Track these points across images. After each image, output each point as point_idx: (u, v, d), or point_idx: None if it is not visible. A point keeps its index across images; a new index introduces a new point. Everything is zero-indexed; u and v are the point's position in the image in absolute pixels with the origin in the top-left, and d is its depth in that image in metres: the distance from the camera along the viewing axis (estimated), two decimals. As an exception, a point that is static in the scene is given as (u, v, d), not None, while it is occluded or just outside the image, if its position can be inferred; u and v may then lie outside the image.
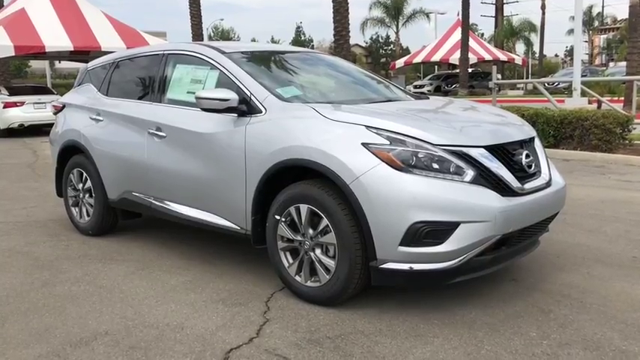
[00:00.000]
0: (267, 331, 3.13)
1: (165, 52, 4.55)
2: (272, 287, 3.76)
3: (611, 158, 8.67)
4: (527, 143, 3.60)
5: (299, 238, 3.45)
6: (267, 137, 3.55)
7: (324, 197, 3.28)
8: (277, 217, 3.52)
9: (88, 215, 5.16)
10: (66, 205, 5.43)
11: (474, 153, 3.17)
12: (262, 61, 4.30)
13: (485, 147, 3.24)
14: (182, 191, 4.16)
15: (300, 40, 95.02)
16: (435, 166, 3.10)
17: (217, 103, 3.70)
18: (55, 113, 5.61)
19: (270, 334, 3.10)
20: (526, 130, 3.73)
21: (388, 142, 3.14)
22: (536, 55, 53.66)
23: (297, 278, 3.50)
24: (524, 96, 28.38)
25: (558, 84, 26.52)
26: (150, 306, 3.54)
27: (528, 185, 3.36)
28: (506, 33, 48.68)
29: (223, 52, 4.14)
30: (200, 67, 4.21)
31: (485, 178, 3.15)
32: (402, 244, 3.04)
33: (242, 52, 4.26)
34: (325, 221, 3.28)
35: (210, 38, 68.83)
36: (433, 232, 3.02)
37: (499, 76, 40.86)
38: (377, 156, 3.10)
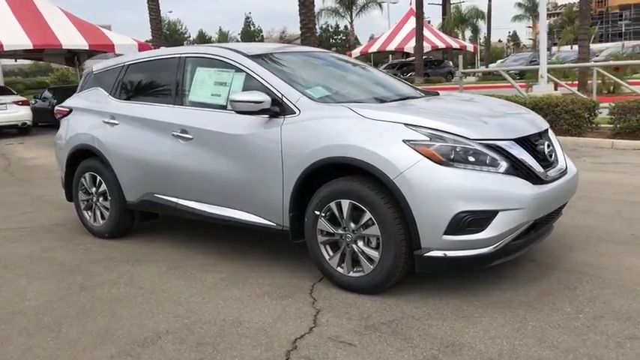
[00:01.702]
0: (322, 321, 3.32)
1: (182, 56, 4.63)
2: (310, 279, 3.94)
3: (581, 142, 9.17)
4: (544, 134, 3.89)
5: (340, 231, 3.64)
6: (304, 137, 3.71)
7: (366, 192, 3.47)
8: (317, 213, 3.70)
9: (102, 218, 5.20)
10: (77, 209, 5.45)
11: (506, 145, 3.43)
12: (284, 62, 4.43)
13: (514, 139, 3.50)
14: (212, 191, 4.28)
15: (249, 30, 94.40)
16: (472, 159, 3.34)
17: (252, 106, 3.84)
18: (60, 118, 5.60)
19: (327, 323, 3.29)
20: (542, 122, 4.03)
21: (428, 139, 3.36)
22: (481, 41, 54.95)
23: (339, 270, 3.70)
24: (478, 82, 29.16)
25: (518, 72, 27.15)
26: (198, 303, 3.67)
27: (550, 173, 3.65)
28: (456, 20, 49.78)
29: (247, 55, 4.27)
30: (223, 70, 4.32)
31: (517, 168, 3.42)
32: (446, 232, 3.28)
33: (264, 54, 4.39)
34: (368, 215, 3.48)
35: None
36: (475, 220, 3.27)
37: (450, 63, 41.87)
38: (419, 152, 3.32)
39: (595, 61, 20.47)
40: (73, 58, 22.08)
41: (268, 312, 3.49)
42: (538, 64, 32.92)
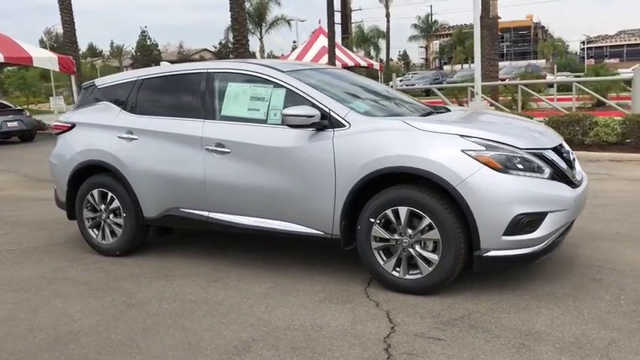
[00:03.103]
0: (398, 321, 3.53)
1: (209, 71, 4.69)
2: (358, 284, 4.14)
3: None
4: (562, 144, 4.36)
5: (396, 236, 3.88)
6: (360, 148, 3.92)
7: (425, 199, 3.74)
8: (372, 220, 3.92)
9: (113, 236, 5.08)
10: (81, 227, 5.26)
11: (547, 154, 3.85)
12: (316, 78, 4.61)
13: (551, 149, 3.93)
14: (252, 203, 4.35)
15: (145, 44, 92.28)
16: (521, 166, 3.71)
17: (304, 120, 4.00)
18: (58, 134, 5.41)
19: (404, 322, 3.50)
20: (557, 134, 4.50)
21: (484, 148, 3.69)
22: (374, 59, 57.25)
23: (394, 273, 3.92)
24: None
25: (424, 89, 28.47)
26: (265, 312, 3.75)
27: (576, 178, 4.11)
28: (359, 39, 51.61)
29: (283, 71, 4.42)
30: (260, 86, 4.43)
31: (557, 173, 3.84)
32: (505, 233, 3.61)
33: (296, 70, 4.56)
34: (427, 220, 3.75)
35: (41, 43, 63.61)
36: (530, 221, 3.63)
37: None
38: (478, 160, 3.65)
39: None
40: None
41: (340, 316, 3.64)
42: (441, 82, 34.81)
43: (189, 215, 4.68)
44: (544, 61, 63.96)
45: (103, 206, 5.09)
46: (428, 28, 67.19)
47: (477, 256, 3.70)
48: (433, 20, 67.09)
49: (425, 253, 3.81)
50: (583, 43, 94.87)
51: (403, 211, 3.82)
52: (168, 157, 4.69)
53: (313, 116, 4.01)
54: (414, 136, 3.83)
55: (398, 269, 3.92)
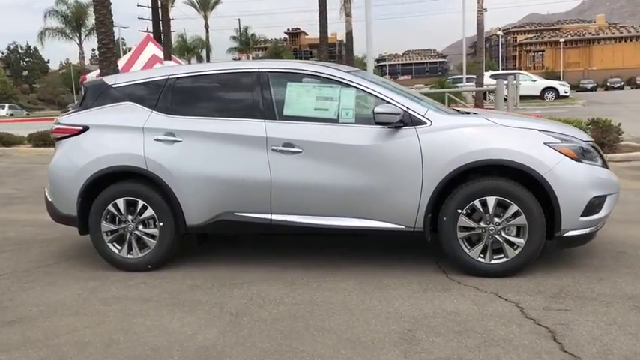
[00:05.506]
0: (514, 299, 3.83)
1: (261, 70, 4.56)
2: (433, 272, 4.40)
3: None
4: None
5: (482, 225, 4.20)
6: (448, 144, 4.16)
7: (513, 188, 4.13)
8: (459, 211, 4.19)
9: (143, 249, 4.65)
10: (98, 242, 4.70)
11: (595, 146, 4.47)
12: (373, 79, 4.75)
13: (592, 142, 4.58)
14: (328, 203, 4.33)
15: None
16: (586, 156, 4.28)
17: (392, 117, 4.15)
18: (62, 138, 4.77)
19: (520, 300, 3.81)
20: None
21: (560, 141, 4.19)
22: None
23: (480, 259, 4.24)
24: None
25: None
26: (385, 305, 3.82)
27: (607, 167, 4.81)
28: (182, 49, 50.69)
29: (345, 71, 4.51)
30: (326, 85, 4.44)
31: (603, 162, 4.48)
32: (582, 215, 4.14)
33: (353, 71, 4.67)
34: (515, 207, 4.12)
35: None
36: (599, 203, 4.21)
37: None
38: (559, 152, 4.13)
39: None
40: None
41: (458, 301, 3.84)
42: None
43: (247, 219, 4.49)
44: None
45: (130, 217, 4.63)
46: (247, 41, 68.17)
47: (557, 237, 4.16)
48: (251, 34, 68.22)
49: (511, 238, 4.18)
50: (377, 60, 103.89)
51: (491, 200, 4.15)
52: (223, 159, 4.45)
53: (399, 114, 4.17)
54: (500, 132, 4.20)
55: (482, 255, 4.24)
